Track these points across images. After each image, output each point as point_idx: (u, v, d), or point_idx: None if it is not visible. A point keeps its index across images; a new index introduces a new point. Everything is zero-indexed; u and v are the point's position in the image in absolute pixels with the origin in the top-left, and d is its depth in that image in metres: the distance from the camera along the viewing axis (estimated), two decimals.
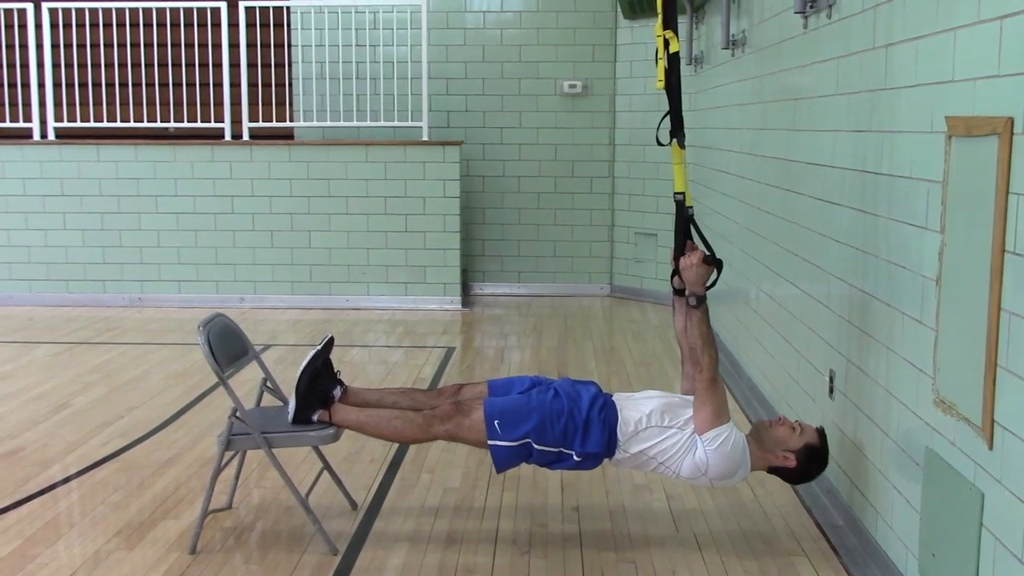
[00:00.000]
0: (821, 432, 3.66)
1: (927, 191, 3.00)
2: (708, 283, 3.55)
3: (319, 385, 3.70)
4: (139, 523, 3.97)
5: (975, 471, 2.65)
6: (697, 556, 3.69)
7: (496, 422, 3.54)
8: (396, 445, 4.83)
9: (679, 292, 3.65)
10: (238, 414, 3.65)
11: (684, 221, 3.66)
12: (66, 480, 4.48)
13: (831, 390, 4.04)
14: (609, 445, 3.57)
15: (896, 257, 3.29)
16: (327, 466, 4.13)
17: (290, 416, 3.68)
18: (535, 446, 3.55)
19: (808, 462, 3.61)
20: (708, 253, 3.55)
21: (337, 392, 3.75)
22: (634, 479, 4.47)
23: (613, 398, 3.67)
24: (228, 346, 3.80)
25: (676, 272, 3.62)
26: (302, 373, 3.66)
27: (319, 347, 3.74)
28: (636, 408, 3.60)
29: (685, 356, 3.71)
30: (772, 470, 3.65)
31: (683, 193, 3.66)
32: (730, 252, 6.26)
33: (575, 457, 3.56)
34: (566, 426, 3.54)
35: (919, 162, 3.09)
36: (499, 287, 9.38)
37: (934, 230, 2.93)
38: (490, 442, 3.55)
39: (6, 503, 4.18)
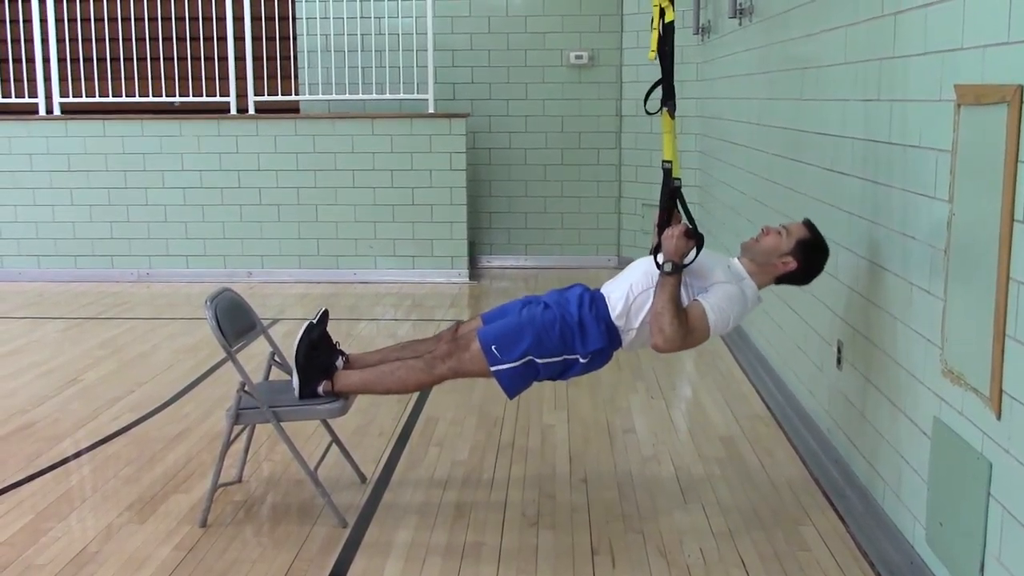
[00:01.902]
0: (808, 224, 3.63)
1: (936, 160, 2.98)
2: (687, 259, 3.49)
3: (319, 357, 3.70)
4: (150, 497, 4.00)
5: (983, 441, 2.65)
6: (705, 526, 3.71)
7: (493, 347, 3.53)
8: (405, 418, 4.86)
9: (660, 266, 3.59)
10: (246, 388, 3.66)
11: (670, 191, 3.63)
12: (77, 455, 4.51)
13: (839, 360, 4.03)
14: (610, 336, 3.55)
15: (904, 227, 3.28)
16: (336, 439, 4.15)
17: (296, 391, 3.69)
18: (538, 361, 3.53)
19: (808, 256, 3.59)
20: (691, 227, 3.52)
21: (340, 362, 3.75)
22: (641, 451, 4.48)
23: (601, 290, 3.66)
24: (235, 320, 3.81)
25: (658, 246, 3.56)
26: (298, 346, 3.66)
27: (312, 320, 3.74)
28: (619, 287, 3.59)
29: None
30: (778, 280, 3.64)
31: (671, 162, 3.62)
32: (737, 223, 6.24)
33: (581, 360, 3.55)
34: (562, 332, 3.53)
35: (928, 131, 3.07)
36: (506, 259, 9.38)
37: (943, 199, 2.91)
38: (492, 368, 3.54)
39: (18, 478, 4.21)
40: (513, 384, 3.57)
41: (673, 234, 3.48)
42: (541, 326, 3.54)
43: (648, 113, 3.67)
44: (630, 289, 3.57)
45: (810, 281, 3.75)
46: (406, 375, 3.66)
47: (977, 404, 2.67)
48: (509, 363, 3.53)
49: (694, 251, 3.49)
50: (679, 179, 3.64)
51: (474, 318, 3.92)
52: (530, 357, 3.53)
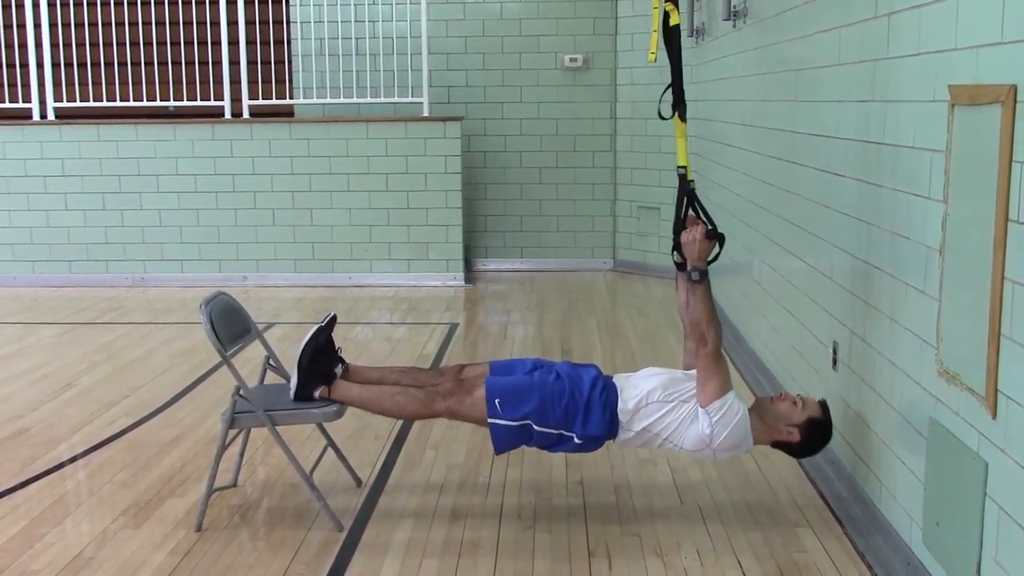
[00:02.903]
0: (824, 405, 3.65)
1: (930, 161, 2.98)
2: (710, 258, 3.54)
3: (321, 362, 3.70)
4: (146, 501, 3.99)
5: (979, 441, 2.65)
6: (701, 528, 3.71)
7: (497, 400, 3.54)
8: (400, 422, 4.85)
9: (680, 267, 3.63)
10: (241, 392, 3.66)
11: (686, 195, 3.64)
12: (72, 459, 4.50)
13: (835, 362, 4.03)
14: (611, 426, 3.56)
15: (899, 228, 3.28)
16: (331, 443, 4.14)
17: (292, 392, 3.68)
18: (535, 427, 3.54)
19: (812, 436, 3.60)
20: (711, 227, 3.53)
21: (339, 369, 3.75)
22: (638, 453, 4.47)
23: (613, 379, 3.66)
24: (230, 324, 3.81)
25: (676, 246, 3.59)
26: (304, 348, 3.66)
27: (321, 323, 3.74)
28: (636, 387, 3.60)
29: (687, 331, 3.70)
30: (776, 444, 3.65)
31: (685, 167, 3.63)
32: (733, 225, 6.24)
33: (576, 439, 3.56)
34: (567, 408, 3.54)
35: (922, 132, 3.07)
36: (502, 263, 9.38)
37: (937, 200, 2.91)
38: (490, 420, 3.54)
39: (13, 483, 4.20)
40: (504, 442, 3.58)
41: (695, 237, 3.49)
42: (549, 395, 3.55)
43: (662, 118, 3.67)
44: (648, 395, 3.55)
45: (802, 457, 3.83)
46: (404, 403, 3.66)
47: (973, 404, 2.67)
48: (508, 421, 3.53)
49: (717, 248, 3.52)
50: (693, 181, 3.65)
51: (481, 363, 3.91)
52: (529, 421, 3.53)
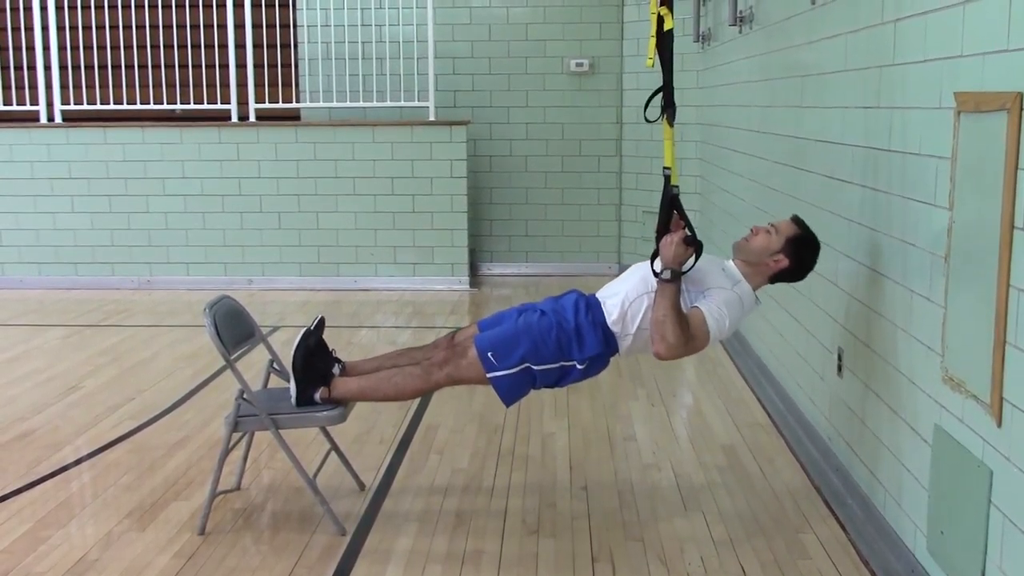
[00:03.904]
0: (796, 220, 3.64)
1: (936, 167, 2.98)
2: (685, 268, 3.48)
3: (316, 365, 3.70)
4: (150, 504, 3.99)
5: (983, 448, 2.65)
6: (705, 533, 3.70)
7: (490, 354, 3.52)
8: (405, 425, 4.85)
9: (658, 274, 3.56)
10: (245, 395, 3.66)
11: (669, 198, 3.63)
12: (77, 462, 4.51)
13: (840, 368, 4.03)
14: (607, 341, 3.55)
15: (905, 234, 3.28)
16: (335, 447, 4.14)
17: (293, 399, 3.68)
18: (535, 368, 3.52)
19: (800, 254, 3.60)
20: (689, 234, 3.51)
21: (336, 369, 3.75)
22: (642, 458, 4.47)
23: (596, 295, 3.65)
24: (234, 328, 3.81)
25: (656, 252, 3.55)
26: (295, 352, 3.66)
27: (309, 327, 3.74)
28: (615, 292, 3.59)
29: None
30: (773, 279, 3.64)
31: (670, 169, 3.63)
32: (738, 230, 6.24)
33: (578, 366, 3.54)
34: (558, 339, 3.52)
35: (928, 138, 3.07)
36: (507, 267, 9.38)
37: (943, 207, 2.91)
38: (489, 375, 3.53)
39: (18, 485, 4.20)
40: (510, 391, 3.56)
41: (672, 241, 3.47)
42: (538, 333, 3.54)
43: (648, 121, 3.68)
44: (625, 295, 3.56)
45: (804, 276, 3.75)
46: (403, 382, 3.65)
47: (978, 411, 2.67)
48: (506, 370, 3.52)
49: (692, 258, 3.49)
50: (677, 186, 3.64)
51: (470, 325, 3.92)
52: (527, 364, 3.52)
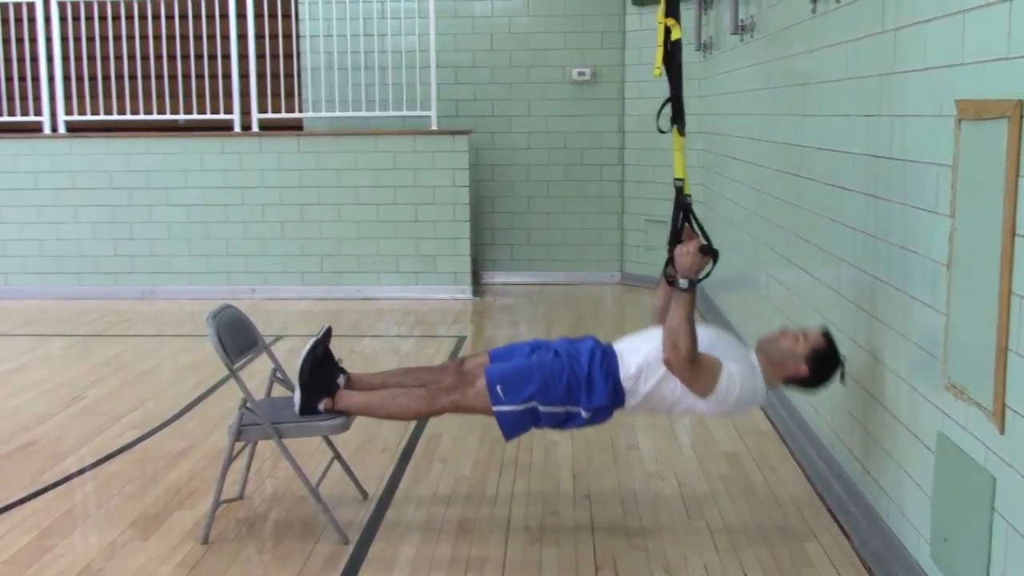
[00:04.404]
0: (826, 333, 3.62)
1: (937, 175, 2.99)
2: (702, 275, 3.50)
3: (322, 374, 3.70)
4: (153, 514, 4.00)
5: (986, 455, 2.64)
6: (709, 542, 3.70)
7: (498, 387, 3.53)
8: (408, 434, 4.85)
9: (670, 281, 3.59)
10: (248, 405, 3.67)
11: (682, 208, 3.63)
12: (81, 472, 4.51)
13: (842, 375, 4.02)
14: (616, 395, 3.54)
15: (906, 242, 3.28)
16: (338, 456, 4.14)
17: (296, 407, 3.69)
18: (541, 408, 3.52)
19: (820, 366, 3.58)
20: (705, 243, 3.52)
21: (341, 380, 3.76)
22: (645, 466, 4.47)
23: (613, 346, 3.64)
24: (237, 337, 3.82)
25: (671, 259, 3.56)
26: (303, 362, 3.66)
27: (317, 336, 3.75)
28: (637, 350, 3.57)
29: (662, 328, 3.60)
30: (787, 381, 3.62)
31: (682, 180, 3.64)
32: (740, 238, 6.25)
33: (583, 413, 3.54)
34: (569, 383, 3.52)
35: (928, 146, 3.08)
36: (509, 276, 9.38)
37: (944, 214, 2.91)
38: (495, 408, 3.53)
39: (21, 495, 4.21)
40: (512, 427, 3.57)
41: (688, 250, 3.47)
42: (549, 373, 3.54)
43: (660, 131, 3.68)
44: (645, 356, 3.54)
45: (816, 389, 3.75)
46: (408, 403, 3.66)
47: (980, 418, 2.67)
48: (512, 406, 3.53)
49: (710, 265, 3.50)
50: (689, 195, 3.65)
51: (481, 353, 3.91)
52: (534, 403, 3.53)
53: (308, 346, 3.71)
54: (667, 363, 3.47)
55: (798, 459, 4.50)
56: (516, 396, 3.52)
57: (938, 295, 2.97)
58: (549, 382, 3.52)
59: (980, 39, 2.69)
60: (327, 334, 3.79)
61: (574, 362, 3.56)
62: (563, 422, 3.59)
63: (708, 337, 3.57)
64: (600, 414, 3.58)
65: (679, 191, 3.63)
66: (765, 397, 3.65)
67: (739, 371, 3.50)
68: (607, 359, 3.56)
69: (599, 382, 3.52)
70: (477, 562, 3.56)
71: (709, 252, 3.48)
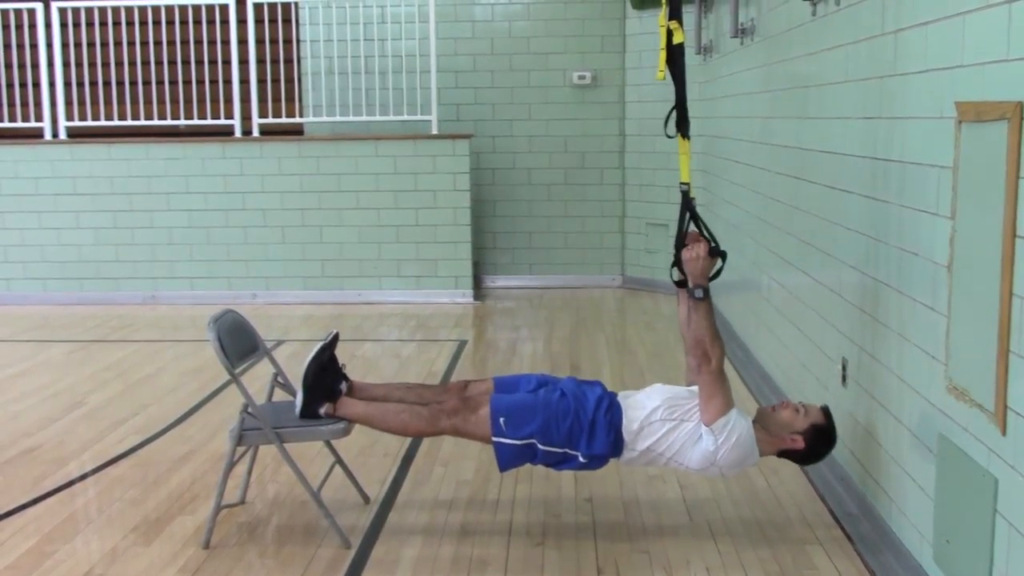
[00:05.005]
0: (826, 411, 3.64)
1: (937, 177, 2.99)
2: (711, 274, 3.53)
3: (325, 379, 3.71)
4: (155, 519, 3.99)
5: (988, 457, 2.64)
6: (711, 545, 3.69)
7: (501, 419, 3.54)
8: (409, 439, 4.85)
9: (680, 284, 3.62)
10: (249, 409, 3.67)
11: (688, 212, 3.64)
12: (82, 477, 4.51)
13: (844, 378, 4.03)
14: (615, 446, 3.55)
15: (907, 244, 3.28)
16: (339, 460, 4.14)
17: (297, 410, 3.69)
18: (540, 446, 3.54)
19: (816, 442, 3.59)
20: (713, 244, 3.53)
21: (344, 387, 3.76)
22: (647, 470, 4.46)
23: (617, 397, 3.66)
24: (239, 342, 3.82)
25: (677, 263, 3.57)
26: (308, 366, 3.67)
27: (324, 341, 3.75)
28: (640, 406, 3.59)
29: (689, 348, 3.68)
30: (782, 454, 3.63)
31: (688, 184, 3.64)
32: (741, 241, 6.25)
33: (580, 458, 3.55)
34: (571, 427, 3.53)
35: (929, 148, 3.08)
36: (510, 280, 9.38)
37: (945, 216, 2.91)
38: (494, 439, 3.55)
39: (23, 500, 4.20)
40: (508, 460, 3.59)
41: (698, 255, 3.49)
42: (553, 414, 3.55)
43: (668, 136, 3.69)
44: (652, 413, 3.55)
45: (809, 464, 3.81)
46: (409, 420, 3.67)
47: (982, 420, 2.66)
48: (512, 439, 3.54)
49: (720, 263, 3.52)
50: (695, 199, 3.66)
51: (485, 380, 3.92)
52: (533, 440, 3.54)
53: (315, 350, 3.71)
54: (701, 371, 3.48)
55: None
56: (517, 431, 3.53)
57: (939, 297, 2.97)
58: (551, 423, 3.53)
59: (980, 41, 2.69)
60: (334, 339, 3.79)
61: (580, 407, 3.56)
62: (559, 463, 3.60)
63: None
64: (596, 462, 3.60)
65: (685, 195, 3.63)
66: (755, 463, 3.65)
67: (744, 424, 3.52)
68: (612, 410, 3.58)
69: (602, 431, 3.54)
70: (479, 566, 3.56)
71: (718, 253, 3.50)
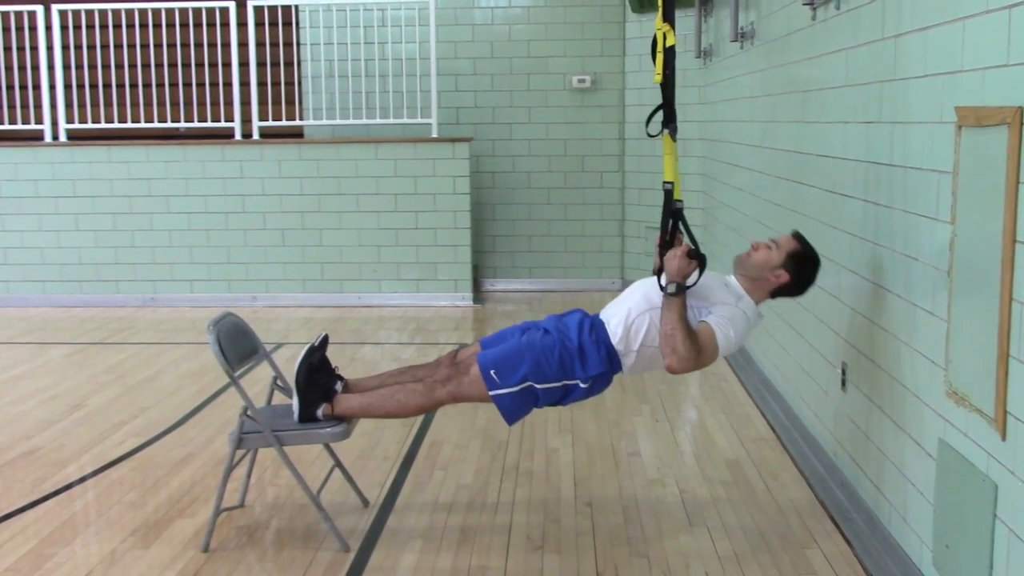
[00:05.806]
0: (797, 235, 3.66)
1: (937, 182, 2.99)
2: (690, 282, 3.50)
3: (319, 381, 3.70)
4: (154, 522, 3.99)
5: (988, 462, 2.64)
6: (710, 549, 3.69)
7: (492, 372, 3.54)
8: (409, 442, 4.85)
9: (663, 288, 3.60)
10: (249, 412, 3.66)
11: (671, 212, 3.64)
12: (82, 480, 4.51)
13: (843, 382, 4.03)
14: (610, 360, 3.56)
15: (907, 248, 3.28)
16: (339, 464, 4.14)
17: (295, 415, 3.69)
18: (537, 387, 3.53)
19: (800, 269, 3.61)
20: (693, 248, 3.53)
21: (338, 387, 3.76)
22: (646, 473, 4.47)
23: (600, 315, 3.66)
24: (238, 345, 3.82)
25: (661, 267, 3.55)
26: (299, 369, 3.67)
27: (313, 343, 3.75)
28: (617, 313, 3.59)
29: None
30: (774, 293, 3.65)
31: (671, 183, 3.64)
32: (741, 244, 6.24)
33: (581, 384, 3.55)
34: (561, 358, 3.53)
35: (929, 153, 3.08)
36: (510, 283, 9.38)
37: (945, 221, 2.92)
38: (491, 393, 3.54)
39: (23, 503, 4.20)
40: (512, 409, 3.57)
41: (676, 255, 3.48)
42: (540, 351, 3.55)
43: (650, 136, 3.70)
44: (628, 313, 3.58)
45: (804, 291, 3.75)
46: (406, 398, 3.66)
47: (982, 425, 2.67)
48: (508, 388, 3.53)
49: (696, 272, 3.50)
50: (680, 200, 3.66)
51: (473, 343, 3.93)
52: (529, 383, 3.53)
53: (302, 353, 3.71)
54: (669, 369, 3.47)
55: (799, 465, 4.50)
56: (511, 378, 3.53)
57: (939, 302, 2.97)
58: (542, 360, 3.53)
59: (980, 46, 2.70)
60: (324, 341, 3.80)
61: (564, 336, 3.57)
62: (563, 397, 3.59)
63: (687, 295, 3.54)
64: (598, 382, 3.59)
65: (668, 195, 3.64)
66: (759, 315, 3.67)
67: (728, 315, 3.51)
68: (596, 328, 3.59)
69: (591, 351, 3.54)
70: (478, 570, 3.56)
71: (696, 256, 3.48)
